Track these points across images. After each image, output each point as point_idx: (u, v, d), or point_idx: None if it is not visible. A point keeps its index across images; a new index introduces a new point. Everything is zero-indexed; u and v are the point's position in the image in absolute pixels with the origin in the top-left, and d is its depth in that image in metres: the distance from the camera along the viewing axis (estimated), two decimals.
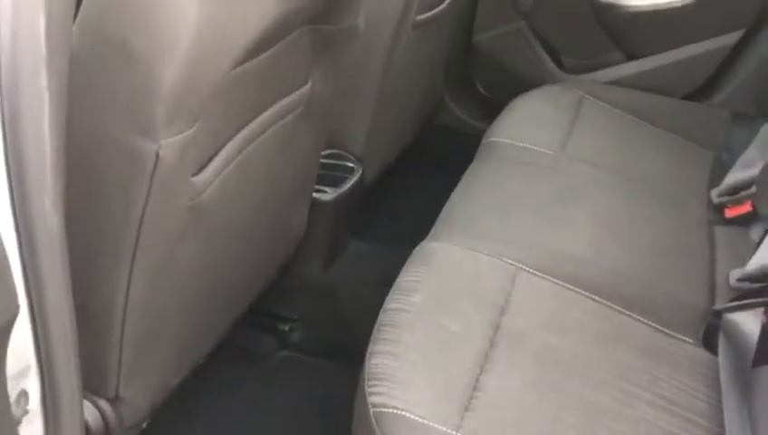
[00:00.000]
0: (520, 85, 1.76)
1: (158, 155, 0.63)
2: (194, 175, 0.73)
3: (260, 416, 1.20)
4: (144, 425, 0.91)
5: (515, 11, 1.72)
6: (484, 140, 1.38)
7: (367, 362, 0.85)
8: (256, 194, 0.95)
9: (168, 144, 0.64)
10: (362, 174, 1.33)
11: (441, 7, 1.40)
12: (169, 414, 1.06)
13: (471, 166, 1.28)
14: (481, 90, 1.83)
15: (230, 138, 0.81)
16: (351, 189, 1.28)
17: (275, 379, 1.24)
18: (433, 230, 1.09)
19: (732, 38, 1.63)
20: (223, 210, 0.84)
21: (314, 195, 1.23)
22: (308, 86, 1.01)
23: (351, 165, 1.33)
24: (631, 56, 1.68)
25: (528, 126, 1.41)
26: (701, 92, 1.67)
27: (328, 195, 1.23)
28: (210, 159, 0.77)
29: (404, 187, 1.66)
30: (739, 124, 1.50)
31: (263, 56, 0.87)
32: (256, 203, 0.99)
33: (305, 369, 1.26)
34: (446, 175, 1.65)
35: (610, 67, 1.69)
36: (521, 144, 1.34)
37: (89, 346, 0.73)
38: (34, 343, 0.59)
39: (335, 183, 1.34)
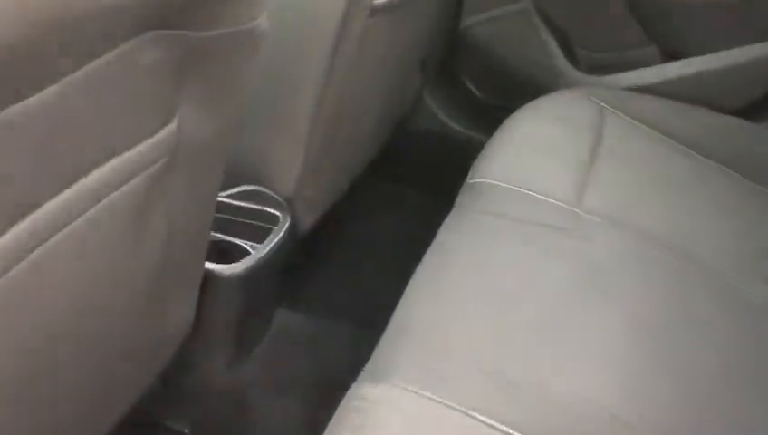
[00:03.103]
0: (521, 84, 1.36)
1: None
2: None
3: None
4: None
5: None
6: (468, 180, 0.97)
7: None
8: (80, 300, 0.56)
9: None
10: (292, 223, 0.93)
11: None
12: None
13: (445, 226, 0.88)
14: (471, 87, 1.42)
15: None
16: (272, 252, 0.88)
17: None
18: (375, 359, 0.69)
19: None
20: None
21: (211, 267, 0.83)
22: (172, 126, 0.60)
23: (275, 212, 0.92)
24: (670, 55, 1.28)
25: (531, 158, 1.01)
26: (759, 108, 1.27)
27: (233, 268, 0.83)
28: None
29: (361, 218, 1.26)
30: None
31: (61, 84, 0.48)
32: (79, 310, 0.59)
33: None
34: (423, 199, 1.29)
35: (641, 68, 1.28)
36: (521, 190, 0.94)
37: None
38: None
39: (254, 235, 0.94)
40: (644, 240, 0.88)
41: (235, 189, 0.94)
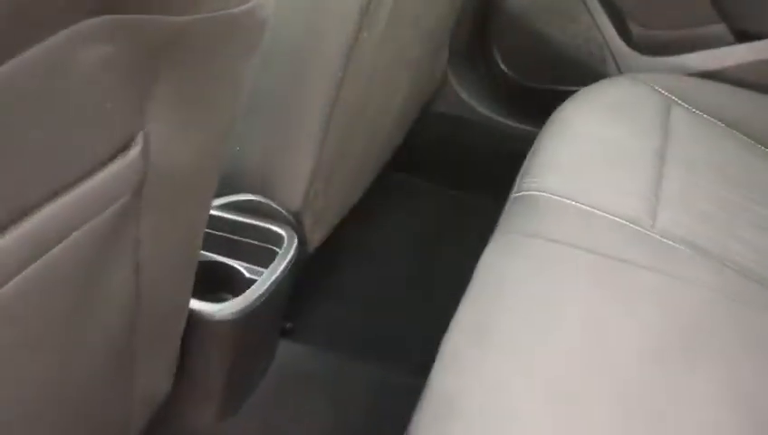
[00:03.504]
0: (563, 64, 1.18)
1: None
2: None
3: None
4: None
5: None
6: (515, 192, 0.80)
7: None
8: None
9: None
10: (299, 244, 0.76)
11: None
12: None
13: (489, 253, 0.71)
14: (503, 67, 1.23)
15: None
16: (274, 285, 0.70)
17: None
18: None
19: None
20: None
21: (198, 307, 0.66)
22: (135, 151, 0.42)
23: (279, 230, 0.75)
24: (741, 35, 1.10)
25: (590, 165, 0.83)
26: None
27: (226, 309, 0.66)
28: None
29: (373, 216, 1.08)
30: None
31: None
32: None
33: None
34: (444, 193, 1.12)
35: (707, 50, 1.10)
36: (582, 206, 0.76)
37: None
38: None
39: (253, 256, 0.77)
40: (737, 276, 0.71)
41: (231, 198, 0.77)
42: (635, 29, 1.13)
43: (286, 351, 0.83)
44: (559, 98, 1.21)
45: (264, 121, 0.73)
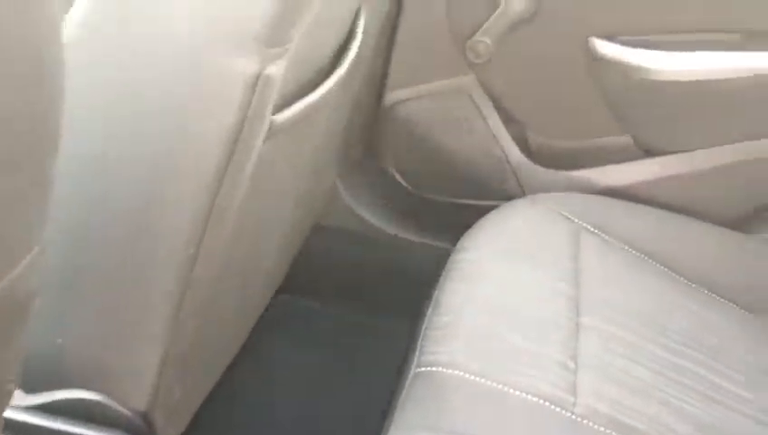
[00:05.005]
0: (460, 175, 1.08)
1: None
2: None
3: None
4: None
5: (460, 58, 1.02)
6: (417, 368, 0.66)
7: None
8: None
9: None
10: None
11: (329, 84, 0.67)
12: None
13: None
14: (397, 176, 1.12)
15: None
16: None
17: None
18: None
19: None
20: None
21: None
22: None
23: None
24: (645, 149, 1.03)
25: (501, 326, 0.71)
26: (752, 218, 1.04)
27: None
28: None
29: (252, 356, 0.93)
30: None
31: None
32: None
33: None
34: (336, 315, 1.05)
35: (614, 164, 1.02)
36: (497, 386, 0.64)
37: None
38: None
39: None
40: None
41: (55, 396, 0.60)
42: (535, 139, 1.05)
43: None
44: (458, 211, 1.11)
45: (95, 304, 0.58)
